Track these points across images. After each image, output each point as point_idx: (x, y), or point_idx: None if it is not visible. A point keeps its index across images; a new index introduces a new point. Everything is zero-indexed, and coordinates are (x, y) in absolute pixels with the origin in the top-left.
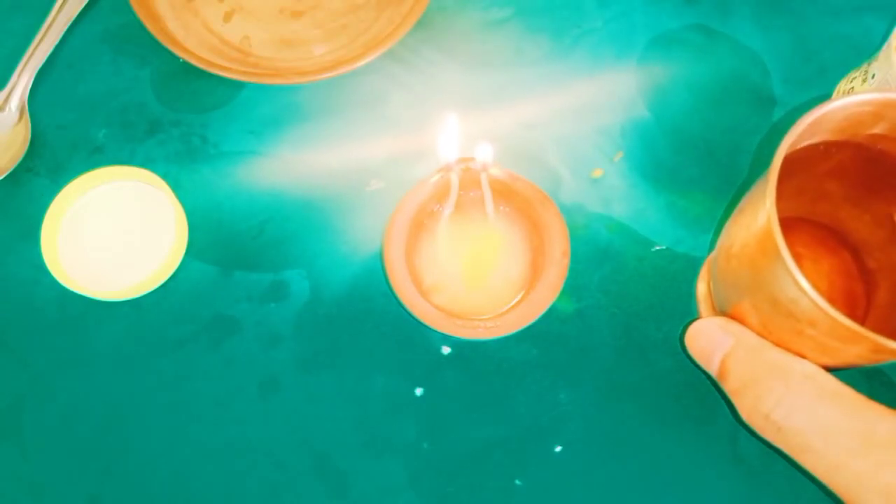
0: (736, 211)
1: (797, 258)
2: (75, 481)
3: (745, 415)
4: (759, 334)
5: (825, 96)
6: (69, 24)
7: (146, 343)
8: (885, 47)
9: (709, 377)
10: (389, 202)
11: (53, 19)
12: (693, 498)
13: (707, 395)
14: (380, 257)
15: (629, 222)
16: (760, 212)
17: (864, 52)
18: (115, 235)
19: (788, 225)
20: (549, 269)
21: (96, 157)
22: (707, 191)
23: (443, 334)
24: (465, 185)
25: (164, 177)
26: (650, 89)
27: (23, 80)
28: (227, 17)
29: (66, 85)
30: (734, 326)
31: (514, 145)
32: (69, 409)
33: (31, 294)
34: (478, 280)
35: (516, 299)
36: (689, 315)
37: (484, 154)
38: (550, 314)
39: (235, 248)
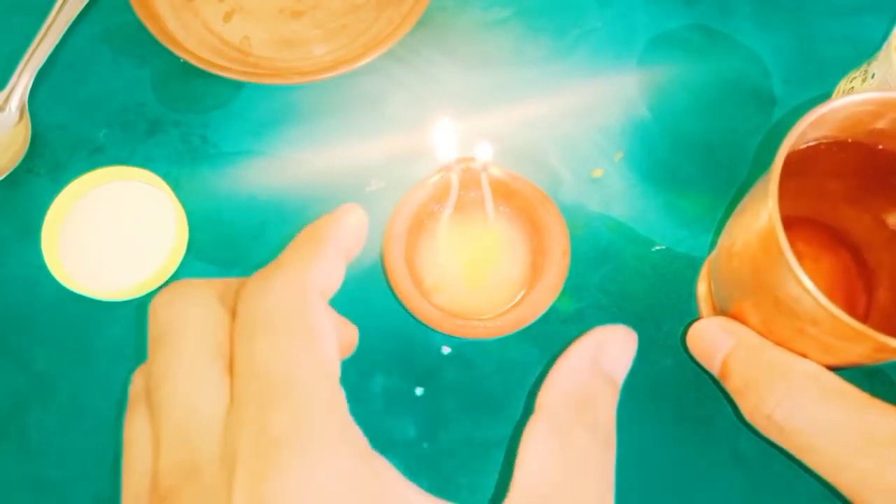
0: (737, 210)
1: (798, 257)
2: (81, 480)
3: (747, 414)
4: (761, 334)
5: (825, 96)
6: (69, 24)
7: (146, 343)
8: (885, 47)
9: (711, 377)
10: (389, 202)
11: (53, 19)
12: (693, 498)
13: (708, 395)
14: (380, 257)
15: (629, 222)
16: (762, 211)
17: (864, 52)
18: (115, 235)
19: (789, 224)
20: (549, 269)
21: (96, 157)
22: (707, 191)
23: (443, 334)
24: (465, 185)
25: (164, 177)
26: (650, 89)
27: (23, 81)
28: (227, 17)
29: (67, 85)
30: (735, 326)
31: (514, 145)
32: (72, 409)
33: (31, 294)
34: (478, 280)
35: (516, 299)
36: (690, 315)
37: (484, 153)
38: (550, 314)
39: (235, 248)
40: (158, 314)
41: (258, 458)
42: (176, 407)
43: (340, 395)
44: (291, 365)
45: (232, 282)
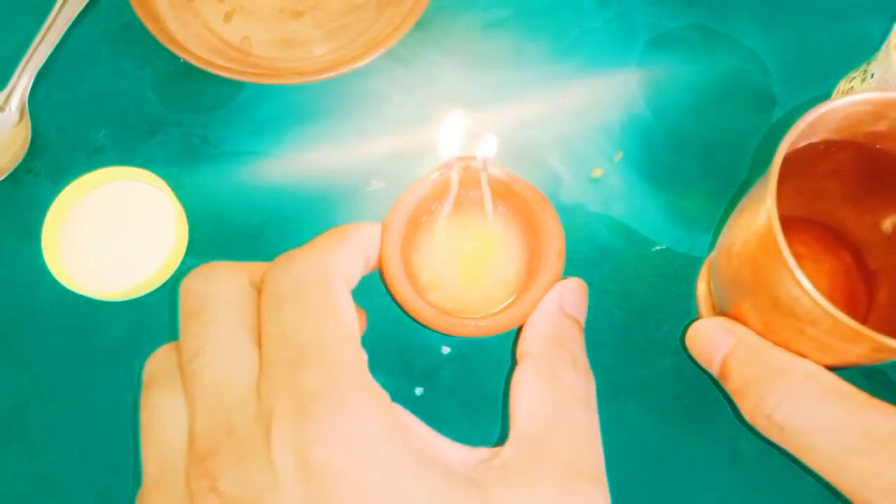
0: (736, 211)
1: (797, 258)
2: (82, 479)
3: (747, 415)
4: (760, 334)
5: (825, 96)
6: (69, 24)
7: (147, 343)
8: (884, 47)
9: (711, 377)
10: (389, 202)
11: (53, 19)
12: (693, 498)
13: (707, 395)
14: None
15: (629, 222)
16: (761, 211)
17: (863, 52)
18: (115, 236)
19: (789, 225)
20: (543, 270)
21: (97, 157)
22: (707, 191)
23: (442, 334)
24: (464, 184)
25: (165, 177)
26: (650, 89)
27: (23, 81)
28: (228, 17)
29: (67, 85)
30: (735, 326)
31: (514, 145)
32: (73, 408)
33: (31, 294)
34: (474, 279)
35: (510, 299)
36: (689, 315)
37: (486, 148)
38: None
39: (236, 248)
40: (190, 291)
41: (296, 412)
42: (210, 374)
43: (363, 356)
44: (318, 328)
45: (258, 265)
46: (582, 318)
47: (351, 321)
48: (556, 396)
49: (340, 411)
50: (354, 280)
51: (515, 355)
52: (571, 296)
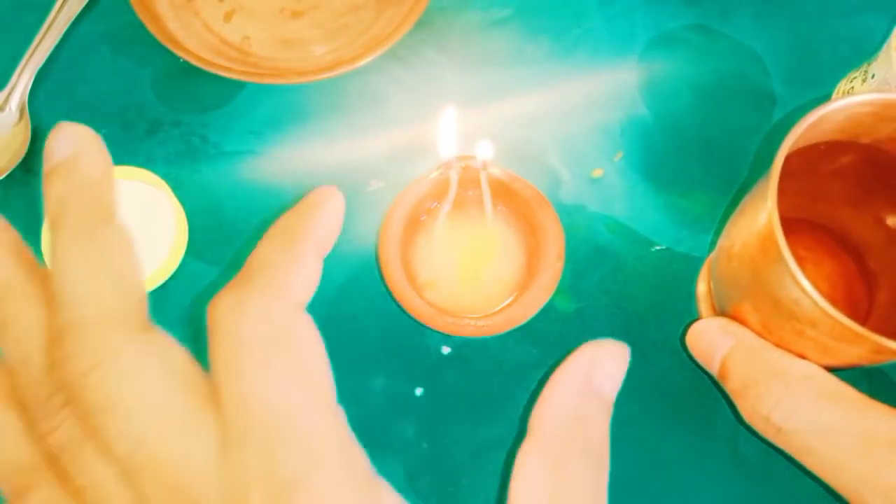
0: (737, 211)
1: (798, 259)
2: None
3: (745, 416)
4: (760, 335)
5: (825, 96)
6: (69, 24)
7: None
8: (885, 47)
9: (711, 377)
10: (389, 202)
11: (53, 19)
12: (693, 498)
13: (707, 395)
14: (376, 251)
15: (629, 222)
16: (761, 212)
17: (864, 52)
18: None
19: (789, 225)
20: (543, 271)
21: None
22: (707, 191)
23: (443, 334)
24: (464, 183)
25: (165, 177)
26: (650, 89)
27: (23, 80)
28: (228, 17)
29: (66, 85)
30: (734, 327)
31: (514, 145)
32: None
33: None
34: (472, 279)
35: (509, 300)
36: (689, 315)
37: (484, 152)
38: (550, 314)
39: (235, 248)
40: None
41: (273, 501)
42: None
43: (340, 419)
44: (288, 399)
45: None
46: (613, 392)
47: (322, 378)
48: (558, 489)
49: (320, 501)
50: (316, 284)
51: (528, 423)
52: (606, 365)
